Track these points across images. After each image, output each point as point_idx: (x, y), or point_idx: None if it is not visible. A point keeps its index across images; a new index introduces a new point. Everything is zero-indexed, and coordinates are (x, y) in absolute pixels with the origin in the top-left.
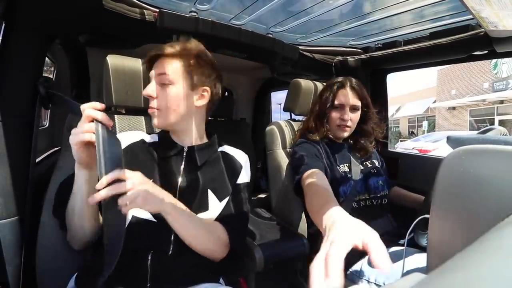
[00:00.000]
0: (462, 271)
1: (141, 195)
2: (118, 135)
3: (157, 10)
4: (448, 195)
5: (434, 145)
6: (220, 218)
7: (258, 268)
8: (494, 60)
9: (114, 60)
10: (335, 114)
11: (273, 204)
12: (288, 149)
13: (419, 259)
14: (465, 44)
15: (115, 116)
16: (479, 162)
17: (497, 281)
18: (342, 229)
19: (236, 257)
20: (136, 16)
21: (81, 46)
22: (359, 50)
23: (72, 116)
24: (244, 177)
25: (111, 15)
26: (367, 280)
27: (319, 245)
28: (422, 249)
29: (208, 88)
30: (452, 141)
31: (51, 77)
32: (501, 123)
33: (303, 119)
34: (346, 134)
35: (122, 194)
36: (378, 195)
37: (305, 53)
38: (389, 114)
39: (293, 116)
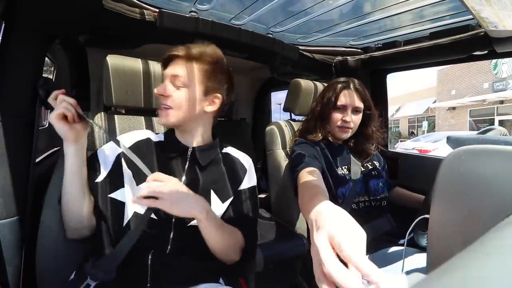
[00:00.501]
0: (462, 271)
1: (171, 199)
2: (125, 134)
3: (157, 10)
4: (448, 195)
5: (434, 145)
6: (234, 224)
7: (258, 268)
8: (494, 60)
9: (114, 60)
10: (336, 115)
11: (273, 204)
12: (288, 149)
13: (419, 259)
14: (465, 44)
15: (115, 116)
16: (479, 162)
17: (497, 281)
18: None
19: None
20: (136, 16)
21: (81, 46)
22: (359, 50)
23: None
24: (249, 181)
25: (111, 15)
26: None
27: None
28: (422, 249)
29: (220, 95)
30: (452, 141)
31: (51, 77)
32: (501, 123)
33: (303, 119)
34: (346, 136)
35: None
36: (378, 197)
37: (305, 53)
38: (389, 114)
39: (293, 116)
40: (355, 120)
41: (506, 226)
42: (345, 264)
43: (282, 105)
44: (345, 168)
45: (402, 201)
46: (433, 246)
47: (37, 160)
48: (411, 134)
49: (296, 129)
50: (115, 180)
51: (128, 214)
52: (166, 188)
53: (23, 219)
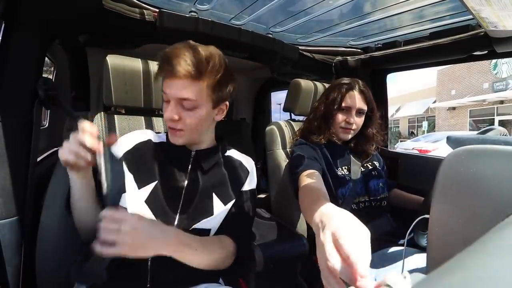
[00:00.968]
0: (462, 271)
1: (129, 243)
2: (124, 136)
3: (157, 10)
4: (448, 195)
5: (434, 145)
6: (227, 226)
7: (258, 268)
8: (494, 60)
9: (114, 60)
10: (340, 116)
11: (273, 204)
12: (288, 149)
13: (419, 259)
14: (465, 44)
15: (115, 116)
16: (479, 162)
17: (498, 281)
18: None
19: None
20: (136, 16)
21: (81, 46)
22: (359, 50)
23: None
24: (250, 184)
25: (111, 15)
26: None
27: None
28: (422, 249)
29: (227, 103)
30: (452, 141)
31: (51, 77)
32: (501, 123)
33: (303, 119)
34: (348, 137)
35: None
36: (378, 197)
37: (305, 53)
38: (389, 114)
39: (293, 116)
40: (358, 121)
41: (506, 226)
42: None
43: (282, 105)
44: (345, 168)
45: (400, 203)
46: (433, 246)
47: (37, 160)
48: (411, 134)
49: (296, 129)
50: None
51: None
52: (125, 229)
53: (23, 219)
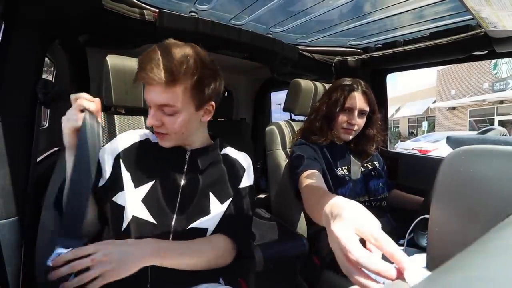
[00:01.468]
0: (462, 271)
1: (109, 269)
2: (122, 134)
3: (157, 10)
4: (448, 195)
5: (434, 145)
6: (225, 225)
7: (258, 268)
8: (494, 60)
9: (114, 60)
10: (343, 117)
11: (273, 204)
12: (288, 149)
13: (419, 259)
14: (465, 44)
15: (115, 116)
16: (479, 162)
17: (498, 281)
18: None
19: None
20: (136, 16)
21: (81, 46)
22: (359, 50)
23: None
24: (247, 180)
25: (111, 15)
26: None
27: (319, 245)
28: (422, 249)
29: (213, 103)
30: (452, 141)
31: (51, 77)
32: (501, 123)
33: (303, 119)
34: (349, 138)
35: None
36: (378, 197)
37: (305, 53)
38: (389, 114)
39: (293, 116)
40: (360, 122)
41: (506, 226)
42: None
43: (282, 105)
44: (345, 168)
45: (400, 203)
46: (433, 246)
47: (37, 160)
48: (411, 134)
49: (296, 129)
50: (116, 183)
51: (128, 217)
52: (99, 258)
53: (22, 219)
